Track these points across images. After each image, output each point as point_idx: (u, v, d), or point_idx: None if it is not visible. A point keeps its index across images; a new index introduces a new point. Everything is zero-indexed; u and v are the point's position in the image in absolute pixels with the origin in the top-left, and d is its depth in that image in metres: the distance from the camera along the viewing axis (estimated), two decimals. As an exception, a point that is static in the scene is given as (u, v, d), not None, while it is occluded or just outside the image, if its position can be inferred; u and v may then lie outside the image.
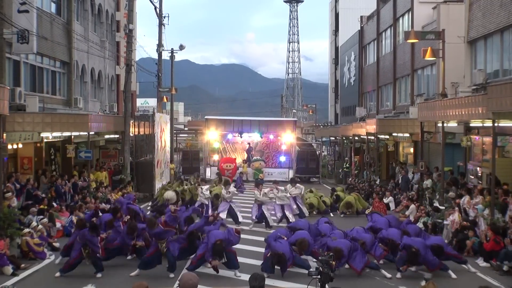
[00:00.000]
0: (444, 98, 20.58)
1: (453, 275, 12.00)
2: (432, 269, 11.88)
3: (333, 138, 46.47)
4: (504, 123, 15.65)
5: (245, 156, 35.08)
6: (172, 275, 12.01)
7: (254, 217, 17.73)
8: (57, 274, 12.15)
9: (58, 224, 16.29)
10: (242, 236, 16.46)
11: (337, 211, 21.28)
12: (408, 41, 25.29)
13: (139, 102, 61.06)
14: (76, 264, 12.19)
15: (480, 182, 19.04)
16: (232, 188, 18.61)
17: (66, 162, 24.26)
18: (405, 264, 11.99)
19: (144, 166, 27.66)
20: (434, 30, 24.29)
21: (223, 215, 17.37)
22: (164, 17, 36.43)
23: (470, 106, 15.70)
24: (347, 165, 35.75)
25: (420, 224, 16.84)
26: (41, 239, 14.23)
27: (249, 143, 35.01)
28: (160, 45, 36.28)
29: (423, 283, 7.41)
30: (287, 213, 17.93)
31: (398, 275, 12.10)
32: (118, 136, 26.38)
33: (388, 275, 12.03)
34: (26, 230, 14.11)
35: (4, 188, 15.70)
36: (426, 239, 12.56)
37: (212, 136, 34.88)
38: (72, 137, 22.01)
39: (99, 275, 12.10)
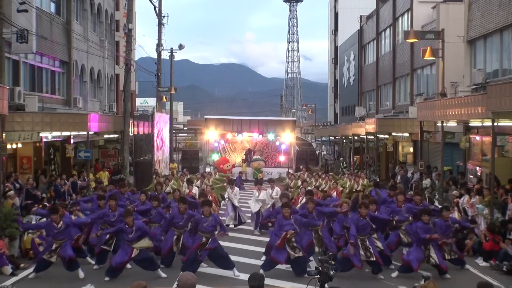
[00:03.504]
0: (443, 97, 20.58)
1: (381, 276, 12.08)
2: None
3: (333, 138, 46.54)
4: (503, 123, 15.65)
5: (244, 156, 35.13)
6: (164, 275, 12.04)
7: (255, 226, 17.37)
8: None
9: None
10: (242, 236, 16.54)
11: None
12: (407, 40, 25.30)
13: (139, 101, 61.06)
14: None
15: (478, 181, 19.01)
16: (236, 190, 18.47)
17: (65, 162, 24.25)
18: None
19: (144, 165, 27.64)
20: (434, 30, 24.29)
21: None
22: (164, 16, 36.44)
23: (470, 105, 15.71)
24: (345, 165, 35.78)
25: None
26: (40, 239, 14.22)
27: (249, 149, 35.03)
28: (159, 45, 36.29)
29: (422, 282, 7.41)
30: None
31: (394, 274, 12.12)
32: (117, 135, 26.36)
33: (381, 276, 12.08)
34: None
35: (4, 188, 15.69)
36: None
37: (211, 135, 34.88)
38: (72, 136, 22.00)
39: (81, 275, 11.90)
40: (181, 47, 38.22)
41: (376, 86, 38.45)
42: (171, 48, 38.12)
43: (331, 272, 6.84)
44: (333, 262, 7.10)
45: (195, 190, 18.38)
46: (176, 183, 19.85)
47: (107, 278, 11.82)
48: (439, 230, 12.33)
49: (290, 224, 12.22)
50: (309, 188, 18.01)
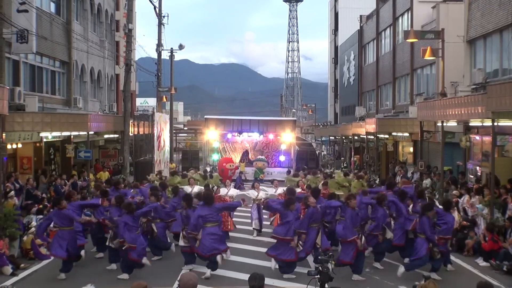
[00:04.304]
0: (443, 97, 20.59)
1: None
2: None
3: (333, 138, 46.56)
4: (503, 123, 15.64)
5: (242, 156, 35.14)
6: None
7: (254, 225, 17.19)
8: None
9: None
10: (241, 236, 16.55)
11: None
12: (407, 40, 25.29)
13: (139, 101, 61.04)
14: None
15: (477, 181, 19.00)
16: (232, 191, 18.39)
17: (65, 162, 24.26)
18: None
19: (144, 165, 27.65)
20: (434, 30, 24.30)
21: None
22: (164, 16, 36.45)
23: (470, 105, 15.71)
24: (345, 165, 35.79)
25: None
26: (41, 240, 14.23)
27: (246, 150, 34.99)
28: (159, 45, 36.29)
29: (422, 281, 7.41)
30: None
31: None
32: (117, 136, 26.37)
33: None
34: (33, 229, 14.17)
35: (4, 188, 15.69)
36: None
37: (211, 135, 34.84)
38: (72, 137, 22.00)
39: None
40: (181, 47, 38.23)
41: (376, 86, 38.46)
42: (171, 48, 38.17)
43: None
44: (333, 263, 7.11)
45: (196, 189, 18.37)
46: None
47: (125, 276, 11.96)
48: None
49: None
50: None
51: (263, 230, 17.04)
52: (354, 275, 11.88)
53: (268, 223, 17.44)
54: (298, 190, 16.72)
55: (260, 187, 18.44)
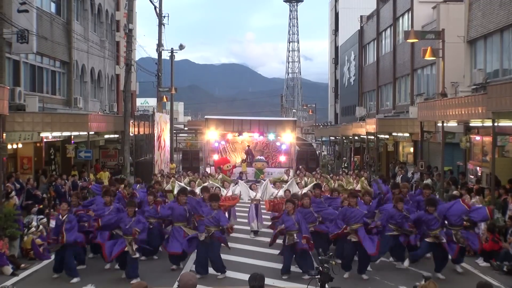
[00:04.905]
0: (444, 97, 20.58)
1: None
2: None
3: (333, 138, 46.54)
4: (503, 123, 15.65)
5: (244, 156, 35.06)
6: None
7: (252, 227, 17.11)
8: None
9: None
10: (241, 236, 16.53)
11: None
12: (408, 40, 25.29)
13: (139, 102, 61.09)
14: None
15: (477, 182, 19.00)
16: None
17: (65, 162, 24.26)
18: None
19: (144, 165, 27.63)
20: (434, 30, 24.29)
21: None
22: (164, 16, 36.50)
23: (470, 105, 15.71)
24: (345, 165, 35.77)
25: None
26: (41, 240, 14.23)
27: (248, 146, 34.93)
28: (160, 45, 36.33)
29: (423, 282, 7.40)
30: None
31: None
32: (118, 136, 26.36)
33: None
34: (34, 229, 14.17)
35: (4, 188, 15.69)
36: None
37: (212, 136, 34.82)
38: (72, 137, 22.00)
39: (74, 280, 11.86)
40: (181, 47, 38.25)
41: (376, 86, 38.46)
42: (172, 48, 38.18)
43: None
44: (334, 263, 7.10)
45: (197, 190, 18.37)
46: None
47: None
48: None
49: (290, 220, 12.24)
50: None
51: (262, 230, 17.03)
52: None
53: (268, 223, 17.46)
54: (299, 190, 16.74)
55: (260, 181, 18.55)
